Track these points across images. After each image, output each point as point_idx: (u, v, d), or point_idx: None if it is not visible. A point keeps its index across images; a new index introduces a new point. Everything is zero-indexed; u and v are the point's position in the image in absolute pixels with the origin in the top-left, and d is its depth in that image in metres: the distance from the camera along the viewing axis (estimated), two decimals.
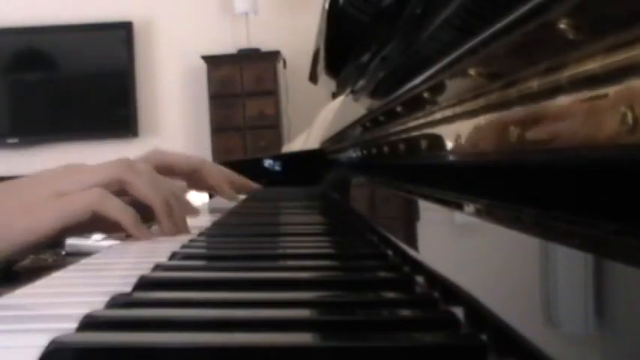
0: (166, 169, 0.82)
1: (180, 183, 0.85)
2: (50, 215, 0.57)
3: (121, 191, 0.63)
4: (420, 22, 0.46)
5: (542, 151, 0.25)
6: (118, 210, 0.60)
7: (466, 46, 0.33)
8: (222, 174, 0.96)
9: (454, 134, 0.37)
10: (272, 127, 4.30)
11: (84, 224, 0.60)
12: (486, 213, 0.31)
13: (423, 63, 0.43)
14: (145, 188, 0.63)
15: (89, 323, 0.29)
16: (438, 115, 0.42)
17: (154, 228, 0.67)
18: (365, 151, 0.79)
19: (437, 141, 0.43)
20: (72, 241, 2.52)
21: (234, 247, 0.57)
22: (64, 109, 4.53)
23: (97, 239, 1.89)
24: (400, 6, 0.53)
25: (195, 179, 0.91)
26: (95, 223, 0.61)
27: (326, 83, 1.43)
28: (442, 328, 0.29)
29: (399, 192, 0.51)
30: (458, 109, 0.37)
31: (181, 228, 0.66)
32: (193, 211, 0.73)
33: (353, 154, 0.93)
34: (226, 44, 4.49)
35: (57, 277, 0.46)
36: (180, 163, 0.87)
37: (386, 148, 0.62)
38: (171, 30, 4.58)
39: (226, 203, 0.97)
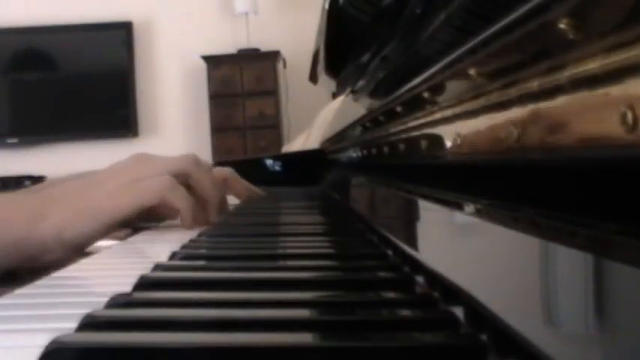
0: None
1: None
2: (130, 198, 0.67)
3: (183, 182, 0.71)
4: (420, 22, 0.46)
5: (542, 151, 0.25)
6: (181, 199, 0.68)
7: (466, 46, 0.33)
8: (243, 187, 0.99)
9: (454, 134, 0.37)
10: (272, 127, 4.30)
11: (154, 209, 0.69)
12: (486, 213, 0.31)
13: (423, 63, 0.43)
14: (206, 185, 0.74)
15: (89, 323, 0.29)
16: (437, 115, 0.42)
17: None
18: (365, 151, 0.79)
19: (437, 141, 0.43)
20: None
21: (234, 247, 0.57)
22: (64, 109, 4.53)
23: None
24: (400, 6, 0.53)
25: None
26: (160, 209, 0.71)
27: (326, 83, 1.43)
28: (442, 328, 0.29)
29: (399, 192, 0.51)
30: (458, 109, 0.37)
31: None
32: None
33: (353, 154, 0.93)
34: (226, 44, 4.49)
35: (57, 277, 0.46)
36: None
37: (386, 148, 0.62)
38: (171, 30, 4.58)
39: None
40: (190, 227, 0.69)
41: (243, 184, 1.01)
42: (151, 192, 0.67)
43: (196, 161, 0.74)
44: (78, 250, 0.65)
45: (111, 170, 0.71)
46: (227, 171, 0.98)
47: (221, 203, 0.79)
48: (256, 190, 1.05)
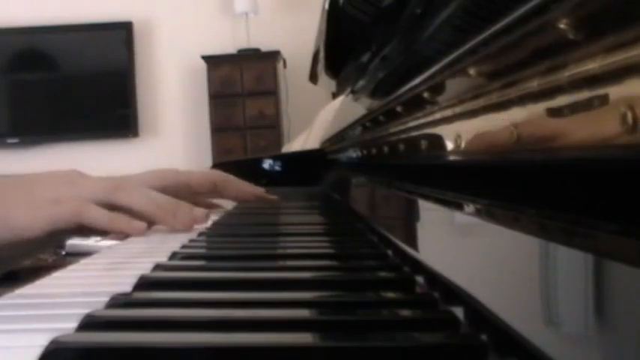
0: (184, 187, 0.84)
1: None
2: (44, 217, 0.63)
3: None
4: (420, 22, 0.46)
5: (542, 151, 0.25)
6: (102, 219, 0.64)
7: (466, 46, 0.33)
8: (239, 190, 0.96)
9: (454, 134, 0.37)
10: (272, 127, 4.30)
11: (74, 231, 0.66)
12: (486, 213, 0.31)
13: (423, 63, 0.43)
14: (136, 204, 0.68)
15: (89, 323, 0.29)
16: (437, 115, 0.42)
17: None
18: (365, 151, 0.79)
19: (437, 141, 0.43)
20: (72, 241, 2.51)
21: (234, 247, 0.57)
22: (64, 109, 4.52)
23: (97, 239, 1.89)
24: (400, 6, 0.53)
25: (215, 195, 0.93)
26: (87, 229, 0.66)
27: (326, 83, 1.43)
28: (442, 328, 0.29)
29: (399, 192, 0.51)
30: (458, 109, 0.37)
31: (192, 222, 0.70)
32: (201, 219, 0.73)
33: (353, 154, 0.93)
34: (226, 44, 4.49)
35: (57, 277, 0.46)
36: (197, 180, 0.88)
37: (386, 148, 0.62)
38: (171, 30, 4.58)
39: (226, 203, 0.97)
40: (139, 232, 0.66)
41: (239, 187, 0.96)
42: (65, 216, 0.64)
43: (117, 187, 0.68)
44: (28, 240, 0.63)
45: (32, 182, 0.68)
46: (216, 175, 0.93)
47: (172, 212, 0.70)
48: (260, 193, 1.00)
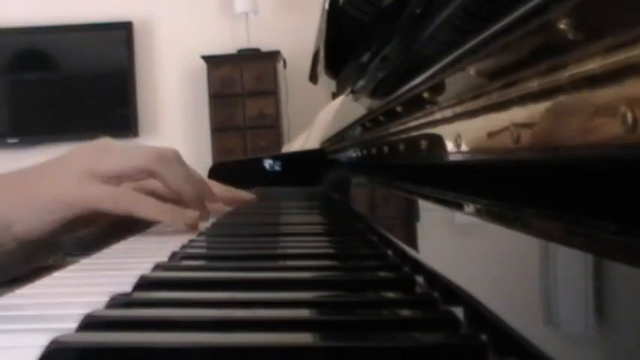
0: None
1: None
2: (81, 196, 0.61)
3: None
4: (420, 22, 0.46)
5: (542, 151, 0.25)
6: (107, 198, 0.62)
7: (466, 46, 0.33)
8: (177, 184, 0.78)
9: (454, 134, 0.37)
10: (272, 127, 4.30)
11: (91, 218, 0.64)
12: (486, 213, 0.31)
13: (423, 63, 0.43)
14: (175, 180, 0.66)
15: (89, 323, 0.29)
16: (438, 115, 0.42)
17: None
18: (365, 151, 0.79)
19: (437, 141, 0.43)
20: None
21: (234, 247, 0.57)
22: (64, 109, 4.53)
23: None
24: (400, 6, 0.53)
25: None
26: (117, 216, 0.63)
27: (326, 83, 1.43)
28: (442, 328, 0.29)
29: (399, 192, 0.51)
30: (458, 109, 0.37)
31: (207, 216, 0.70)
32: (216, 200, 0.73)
33: (353, 154, 0.93)
34: (226, 44, 4.49)
35: (57, 277, 0.46)
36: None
37: (386, 148, 0.62)
38: (171, 30, 4.58)
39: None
40: (179, 226, 0.64)
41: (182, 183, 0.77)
42: (103, 199, 0.61)
43: (160, 156, 0.66)
44: (29, 245, 0.61)
45: (62, 161, 0.65)
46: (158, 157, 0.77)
47: (203, 196, 0.69)
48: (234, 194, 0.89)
